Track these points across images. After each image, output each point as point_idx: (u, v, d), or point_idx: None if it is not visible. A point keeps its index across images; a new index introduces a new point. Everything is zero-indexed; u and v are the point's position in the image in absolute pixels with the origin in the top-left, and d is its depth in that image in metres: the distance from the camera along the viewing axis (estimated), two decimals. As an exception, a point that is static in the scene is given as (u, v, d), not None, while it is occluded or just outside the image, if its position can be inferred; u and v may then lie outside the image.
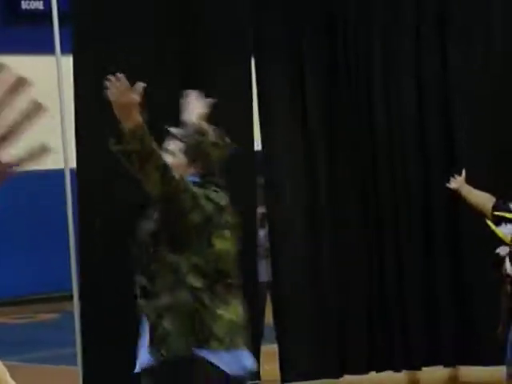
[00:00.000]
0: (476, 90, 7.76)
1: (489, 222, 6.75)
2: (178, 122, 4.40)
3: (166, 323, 4.00)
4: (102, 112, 6.55)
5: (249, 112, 7.16)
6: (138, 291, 4.15)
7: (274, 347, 7.52)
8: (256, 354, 7.03)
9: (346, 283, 7.48)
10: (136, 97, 3.89)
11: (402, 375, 7.74)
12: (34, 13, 13.12)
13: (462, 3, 7.82)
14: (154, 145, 3.95)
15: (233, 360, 4.08)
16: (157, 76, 6.72)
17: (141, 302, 4.15)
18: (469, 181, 6.60)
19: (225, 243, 4.13)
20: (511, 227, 6.64)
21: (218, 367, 4.02)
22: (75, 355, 6.71)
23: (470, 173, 6.77)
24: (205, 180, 4.17)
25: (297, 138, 7.41)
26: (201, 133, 4.23)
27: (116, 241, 6.48)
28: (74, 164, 6.65)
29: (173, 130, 4.27)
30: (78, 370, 6.69)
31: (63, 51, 6.79)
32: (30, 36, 12.41)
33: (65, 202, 6.69)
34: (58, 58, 6.76)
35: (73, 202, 6.68)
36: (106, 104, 4.08)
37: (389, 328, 7.58)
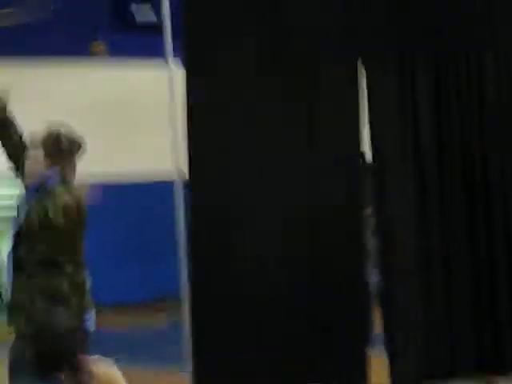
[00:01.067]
0: None
1: None
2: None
3: None
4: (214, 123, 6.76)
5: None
6: None
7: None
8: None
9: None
10: None
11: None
12: (146, 24, 13.27)
13: None
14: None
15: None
16: (260, 85, 6.83)
17: None
18: None
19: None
20: None
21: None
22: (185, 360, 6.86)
23: None
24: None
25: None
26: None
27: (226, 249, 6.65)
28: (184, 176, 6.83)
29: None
30: (188, 375, 6.86)
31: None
32: (142, 47, 12.55)
33: (175, 213, 6.83)
34: (171, 71, 6.89)
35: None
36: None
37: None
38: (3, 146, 5.14)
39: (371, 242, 7.75)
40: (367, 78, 7.18)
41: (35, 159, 4.90)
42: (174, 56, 6.92)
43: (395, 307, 7.33)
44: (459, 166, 7.29)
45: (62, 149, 4.82)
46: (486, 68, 7.38)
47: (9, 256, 4.94)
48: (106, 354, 4.41)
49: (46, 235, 4.80)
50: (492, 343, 7.41)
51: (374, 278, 7.69)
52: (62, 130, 4.93)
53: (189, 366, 6.81)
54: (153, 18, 12.69)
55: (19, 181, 5.14)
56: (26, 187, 5.02)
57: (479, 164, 7.33)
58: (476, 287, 7.43)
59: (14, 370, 4.86)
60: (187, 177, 6.76)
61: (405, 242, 7.26)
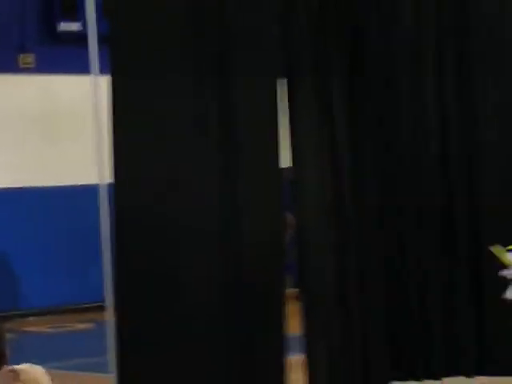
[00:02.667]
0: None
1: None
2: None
3: None
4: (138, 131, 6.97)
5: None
6: None
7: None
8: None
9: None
10: None
11: None
12: (71, 34, 13.53)
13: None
14: None
15: None
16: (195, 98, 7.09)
17: None
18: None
19: None
20: None
21: None
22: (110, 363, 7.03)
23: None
24: None
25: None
26: None
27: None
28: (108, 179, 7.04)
29: None
30: (112, 377, 7.01)
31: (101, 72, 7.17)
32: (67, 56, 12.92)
33: (99, 217, 7.07)
34: (96, 78, 7.12)
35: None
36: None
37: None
38: None
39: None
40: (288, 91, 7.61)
41: None
42: (100, 66, 7.14)
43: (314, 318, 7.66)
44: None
45: None
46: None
47: None
48: (32, 358, 4.54)
49: None
50: (407, 352, 7.79)
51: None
52: None
53: (113, 370, 6.98)
54: (80, 28, 12.91)
55: None
56: None
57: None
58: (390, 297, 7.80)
59: None
60: (111, 180, 6.99)
61: (321, 250, 7.61)
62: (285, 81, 7.65)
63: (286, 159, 7.63)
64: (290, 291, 8.01)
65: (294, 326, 7.89)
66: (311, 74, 7.65)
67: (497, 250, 7.06)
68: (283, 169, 7.74)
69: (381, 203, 7.74)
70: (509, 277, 6.71)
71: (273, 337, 7.42)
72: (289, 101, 7.59)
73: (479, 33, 8.04)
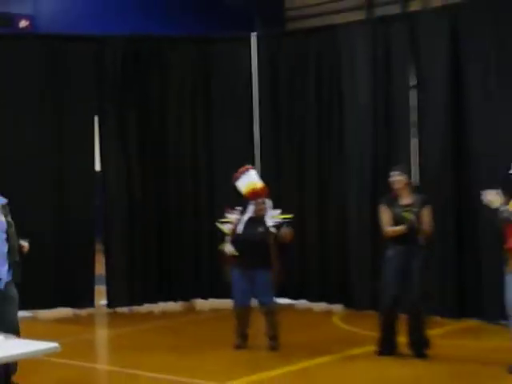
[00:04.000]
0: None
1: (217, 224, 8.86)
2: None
3: None
4: None
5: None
6: None
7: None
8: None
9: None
10: None
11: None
12: None
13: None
14: None
15: None
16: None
17: None
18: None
19: None
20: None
21: None
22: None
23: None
24: None
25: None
26: None
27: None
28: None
29: None
30: None
31: None
32: None
33: None
34: None
35: None
36: None
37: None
38: None
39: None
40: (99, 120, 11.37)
41: None
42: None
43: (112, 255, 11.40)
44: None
45: None
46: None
47: None
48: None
49: None
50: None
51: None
52: None
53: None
54: None
55: None
56: None
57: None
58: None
59: None
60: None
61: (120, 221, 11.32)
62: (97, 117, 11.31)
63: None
64: (99, 246, 11.54)
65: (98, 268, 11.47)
66: (114, 114, 11.28)
67: (218, 225, 8.76)
68: (97, 171, 11.40)
69: (155, 193, 11.47)
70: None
71: (87, 272, 11.21)
72: (99, 127, 11.34)
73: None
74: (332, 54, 11.19)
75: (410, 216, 8.05)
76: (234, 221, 8.67)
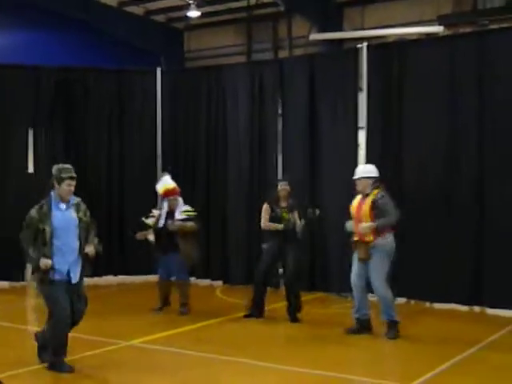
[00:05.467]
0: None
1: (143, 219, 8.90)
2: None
3: None
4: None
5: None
6: None
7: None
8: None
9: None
10: None
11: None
12: None
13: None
14: None
15: None
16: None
17: None
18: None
19: None
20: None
21: None
22: None
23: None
24: None
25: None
26: None
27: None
28: None
29: None
30: None
31: None
32: None
33: None
34: None
35: None
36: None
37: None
38: None
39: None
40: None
41: None
42: None
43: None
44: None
45: None
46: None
47: None
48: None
49: None
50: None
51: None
52: None
53: None
54: None
55: None
56: None
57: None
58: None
59: None
60: None
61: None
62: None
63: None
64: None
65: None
66: (45, 127, 11.28)
67: (143, 219, 8.88)
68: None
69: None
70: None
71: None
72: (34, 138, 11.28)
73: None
74: (219, 88, 11.48)
75: (287, 216, 8.40)
76: (156, 216, 8.89)
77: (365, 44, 10.10)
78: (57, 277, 6.21)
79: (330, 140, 10.36)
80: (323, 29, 13.77)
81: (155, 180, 11.11)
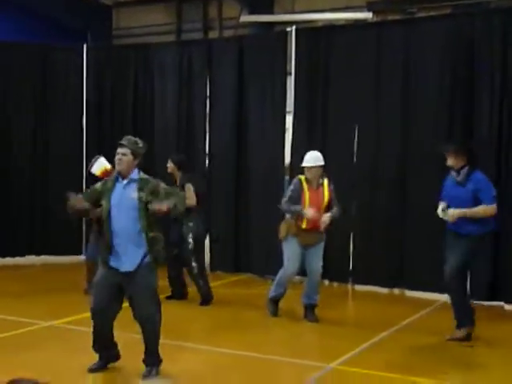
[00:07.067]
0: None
1: None
2: None
3: None
4: None
5: None
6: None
7: None
8: None
9: None
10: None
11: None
12: None
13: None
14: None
15: None
16: None
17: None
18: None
19: None
20: None
21: None
22: None
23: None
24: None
25: None
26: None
27: None
28: None
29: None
30: None
31: None
32: None
33: None
34: None
35: None
36: None
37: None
38: None
39: None
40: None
41: None
42: None
43: None
44: None
45: None
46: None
47: None
48: None
49: None
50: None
51: None
52: None
53: None
54: None
55: None
56: None
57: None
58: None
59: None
60: None
61: None
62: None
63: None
64: None
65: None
66: None
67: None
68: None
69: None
70: None
71: None
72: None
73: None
74: (147, 66, 11.42)
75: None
76: None
77: (294, 28, 10.18)
78: (111, 263, 5.39)
79: (257, 124, 10.43)
80: (254, 11, 13.77)
81: (81, 158, 11.10)
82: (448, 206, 6.78)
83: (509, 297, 8.67)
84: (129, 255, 5.32)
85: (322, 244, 7.64)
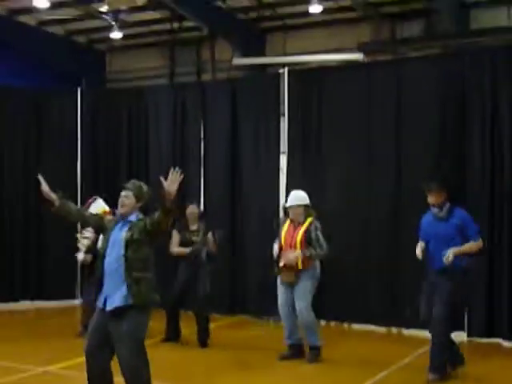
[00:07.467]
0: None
1: None
2: None
3: None
4: None
5: None
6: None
7: None
8: None
9: None
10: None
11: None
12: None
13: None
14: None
15: None
16: None
17: None
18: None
19: None
20: None
21: None
22: None
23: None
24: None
25: None
26: None
27: None
28: None
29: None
30: None
31: None
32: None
33: None
34: None
35: None
36: None
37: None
38: None
39: None
40: None
41: None
42: None
43: None
44: None
45: None
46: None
47: None
48: None
49: None
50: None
51: None
52: None
53: None
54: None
55: None
56: None
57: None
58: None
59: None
60: None
61: None
62: None
63: None
64: None
65: None
66: None
67: (79, 237, 9.63)
68: None
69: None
70: None
71: None
72: None
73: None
74: (140, 109, 11.46)
75: (196, 239, 8.34)
76: (91, 237, 8.71)
77: (286, 69, 10.29)
78: (101, 303, 5.26)
79: (252, 164, 10.46)
80: (246, 54, 13.94)
81: (75, 200, 11.01)
82: (426, 244, 6.73)
83: (506, 333, 8.60)
84: (113, 295, 5.14)
85: (306, 283, 7.53)
